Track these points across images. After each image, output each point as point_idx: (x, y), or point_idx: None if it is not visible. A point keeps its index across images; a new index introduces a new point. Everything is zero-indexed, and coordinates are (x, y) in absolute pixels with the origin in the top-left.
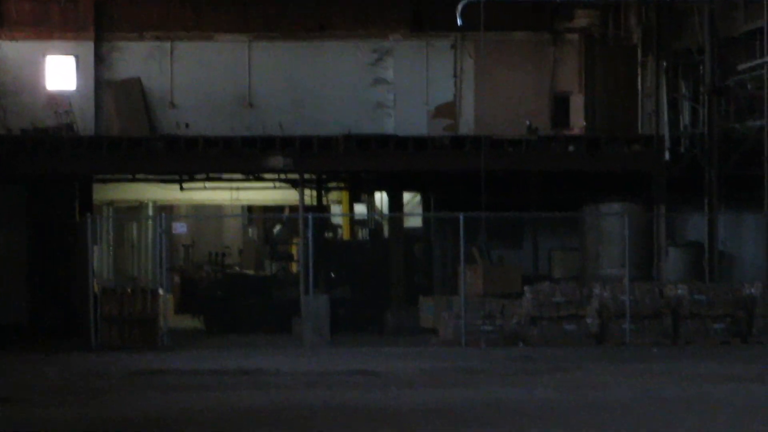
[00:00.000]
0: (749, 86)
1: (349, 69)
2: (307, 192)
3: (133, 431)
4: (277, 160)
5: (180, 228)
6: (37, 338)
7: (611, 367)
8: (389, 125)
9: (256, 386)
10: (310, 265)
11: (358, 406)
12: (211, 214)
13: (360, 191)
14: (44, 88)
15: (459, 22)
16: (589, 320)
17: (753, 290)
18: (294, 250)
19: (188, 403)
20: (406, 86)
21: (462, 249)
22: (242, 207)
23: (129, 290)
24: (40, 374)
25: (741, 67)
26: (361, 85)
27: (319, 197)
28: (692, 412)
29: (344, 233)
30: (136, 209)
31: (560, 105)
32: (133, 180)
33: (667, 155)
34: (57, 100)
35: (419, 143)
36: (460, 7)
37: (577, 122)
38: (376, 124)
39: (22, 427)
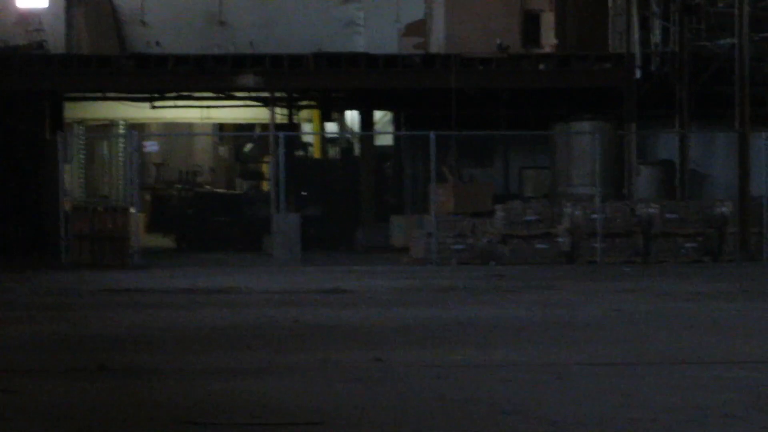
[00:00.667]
0: (720, 4)
1: None
2: (278, 111)
3: (104, 348)
4: (248, 78)
5: (151, 146)
6: (7, 256)
7: (582, 286)
8: (360, 43)
9: (227, 305)
10: (281, 183)
11: (328, 324)
12: (182, 132)
13: (331, 110)
14: (14, 6)
15: None
16: (560, 239)
17: (724, 209)
18: (265, 169)
19: (159, 322)
20: (376, 4)
21: (433, 167)
22: (213, 125)
23: (100, 208)
24: (10, 291)
25: None
26: (332, 3)
27: (290, 116)
28: (662, 329)
29: (315, 152)
30: (107, 128)
31: (531, 23)
32: (104, 98)
33: (638, 73)
34: (27, 18)
35: (390, 61)
36: None
37: (548, 40)
38: (346, 42)
39: None
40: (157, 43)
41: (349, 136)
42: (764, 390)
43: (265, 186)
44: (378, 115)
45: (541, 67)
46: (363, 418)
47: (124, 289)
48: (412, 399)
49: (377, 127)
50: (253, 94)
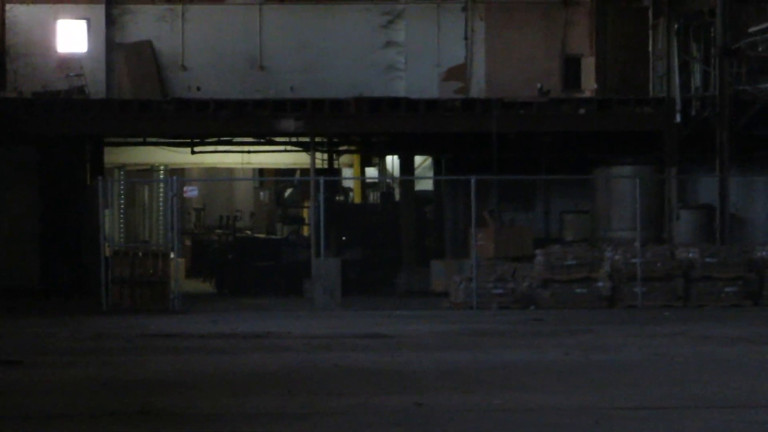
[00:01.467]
0: (760, 48)
1: (361, 31)
2: (318, 155)
3: (145, 393)
4: (289, 123)
5: (191, 191)
6: (48, 300)
7: (622, 330)
8: (400, 88)
9: (268, 349)
10: (321, 227)
11: (369, 368)
12: (223, 177)
13: (371, 154)
14: (55, 51)
15: None
16: (600, 283)
17: (764, 252)
18: (305, 214)
19: (200, 366)
20: (417, 48)
21: (473, 212)
22: (253, 170)
23: (140, 253)
24: (52, 336)
25: (752, 29)
26: (373, 47)
27: (330, 160)
28: (703, 373)
29: (355, 196)
30: (147, 172)
31: (571, 67)
32: (144, 143)
33: (678, 117)
34: (68, 63)
35: (430, 105)
36: None
37: (589, 84)
38: (387, 86)
39: (36, 390)
40: (198, 88)
41: (389, 180)
42: None
43: (306, 230)
44: (418, 159)
45: (582, 110)
46: None
47: (165, 334)
48: None
49: (417, 171)
50: (294, 139)
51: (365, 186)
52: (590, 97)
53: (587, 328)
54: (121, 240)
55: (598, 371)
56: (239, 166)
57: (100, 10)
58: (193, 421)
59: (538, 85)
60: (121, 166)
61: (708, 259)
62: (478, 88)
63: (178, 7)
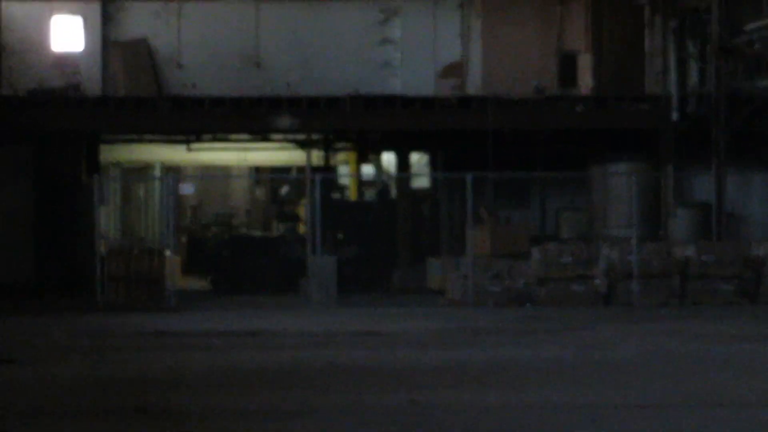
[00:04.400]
0: (756, 45)
1: (357, 28)
2: (314, 153)
3: (140, 390)
4: (284, 120)
5: (187, 189)
6: (43, 297)
7: (618, 327)
8: (396, 85)
9: (263, 347)
10: (317, 225)
11: (364, 366)
12: (218, 174)
13: (367, 152)
14: (51, 48)
15: None
16: (596, 281)
17: (761, 250)
18: (301, 211)
19: (195, 364)
20: (413, 45)
21: (469, 209)
22: (249, 168)
23: (135, 250)
24: (46, 334)
25: (748, 26)
26: (368, 44)
27: (326, 158)
28: (698, 370)
29: (351, 194)
30: (142, 170)
31: (567, 64)
32: (140, 140)
33: (674, 115)
34: (64, 60)
35: (426, 103)
36: None
37: (585, 81)
38: (383, 83)
39: (30, 388)
40: (194, 85)
41: (385, 178)
42: None
43: (302, 228)
44: (414, 157)
45: (578, 108)
46: None
47: (160, 332)
48: None
49: (414, 168)
50: (290, 137)
51: (361, 183)
52: (586, 95)
53: (583, 326)
54: (117, 237)
55: (595, 368)
56: (235, 163)
57: (95, 7)
58: (188, 418)
59: (535, 83)
60: (117, 163)
61: (704, 257)
62: (474, 86)
63: (174, 4)
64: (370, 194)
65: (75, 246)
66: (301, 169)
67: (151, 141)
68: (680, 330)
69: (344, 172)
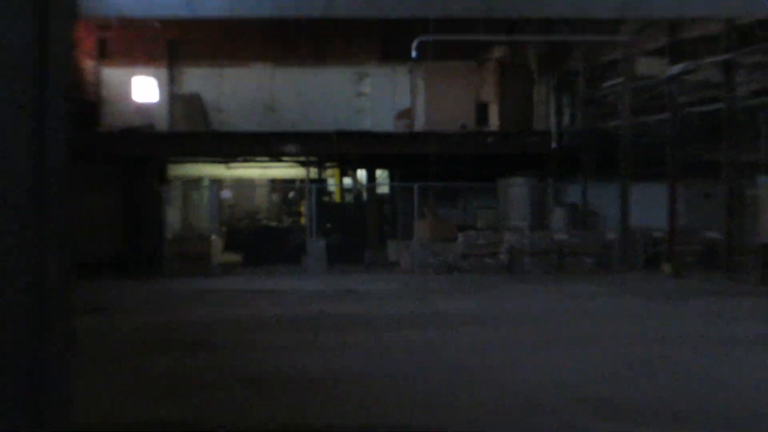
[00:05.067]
0: (610, 97)
1: (340, 85)
2: (311, 169)
3: (194, 330)
4: (291, 147)
5: (225, 194)
6: (127, 269)
7: (516, 288)
8: (367, 124)
9: (277, 300)
10: (313, 219)
11: (345, 313)
12: (247, 184)
13: (347, 169)
14: (133, 99)
15: (414, 55)
16: (502, 256)
17: (612, 236)
18: (302, 209)
19: (230, 312)
20: (378, 97)
21: (416, 208)
22: (268, 180)
23: (190, 236)
24: (128, 292)
25: (604, 85)
26: (348, 96)
27: (319, 173)
28: (572, 317)
29: (336, 197)
30: (196, 181)
31: (482, 110)
32: (194, 161)
33: (554, 144)
34: (142, 107)
35: (387, 136)
36: (414, 44)
37: (494, 122)
38: (358, 123)
39: (115, 328)
40: (229, 124)
41: (359, 186)
42: (638, 358)
43: (302, 221)
44: (378, 172)
45: (489, 140)
46: (364, 378)
47: (207, 290)
48: (401, 364)
49: (378, 180)
50: (294, 159)
51: (343, 190)
52: (495, 131)
53: (492, 287)
54: (178, 228)
55: (502, 316)
56: (258, 176)
57: (164, 71)
58: (226, 348)
59: (461, 122)
60: (178, 177)
61: (574, 240)
62: (420, 125)
63: (217, 70)
64: (348, 198)
65: (149, 233)
66: (302, 181)
67: (201, 162)
68: (558, 290)
69: (331, 183)
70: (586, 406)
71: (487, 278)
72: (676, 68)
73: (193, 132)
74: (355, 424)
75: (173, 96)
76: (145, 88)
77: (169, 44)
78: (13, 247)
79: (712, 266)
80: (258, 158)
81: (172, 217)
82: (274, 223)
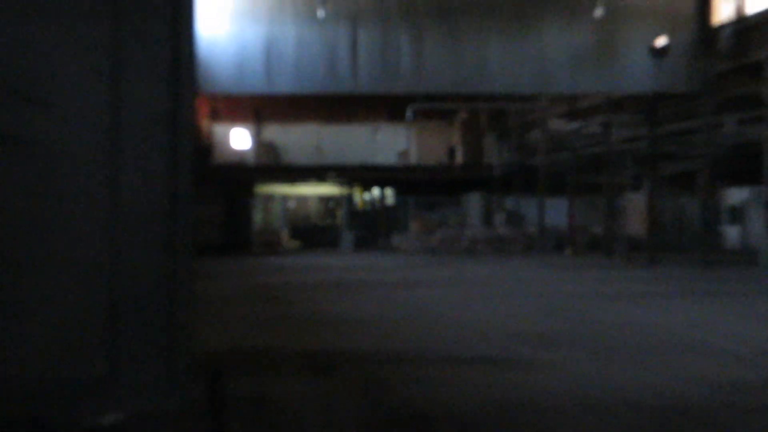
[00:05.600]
0: (532, 143)
1: (362, 135)
2: (344, 188)
3: (270, 290)
4: (331, 174)
5: (290, 204)
6: (226, 251)
7: (474, 264)
8: (379, 160)
9: (322, 271)
10: (345, 219)
11: (366, 280)
12: (303, 198)
13: (367, 187)
14: (232, 145)
15: (408, 116)
16: (464, 243)
17: (533, 230)
18: (338, 213)
19: (293, 278)
20: (386, 143)
21: (410, 213)
22: (318, 195)
23: (268, 230)
24: (228, 266)
25: (528, 136)
26: (368, 142)
27: (349, 190)
28: (511, 281)
29: (360, 205)
30: (272, 196)
31: (452, 152)
32: (270, 183)
33: (497, 172)
34: (238, 150)
35: (392, 168)
36: (408, 110)
37: (459, 159)
38: (374, 158)
39: (221, 289)
40: (293, 160)
41: (374, 199)
42: (549, 307)
43: (338, 221)
44: (387, 190)
45: (456, 170)
46: (379, 320)
47: (279, 265)
48: (403, 310)
49: (386, 195)
50: (333, 181)
51: (364, 201)
52: (460, 164)
53: (460, 263)
54: (260, 224)
55: (466, 281)
56: (311, 193)
57: (252, 126)
58: (291, 302)
59: (439, 159)
60: (260, 193)
61: (509, 233)
62: (413, 160)
63: (286, 126)
64: (368, 206)
65: (242, 228)
66: (338, 195)
67: (274, 183)
68: (499, 264)
69: (357, 197)
70: (514, 337)
71: (455, 258)
72: (574, 125)
73: (270, 165)
74: (372, 348)
75: (257, 142)
76: (240, 138)
77: (256, 109)
78: (161, 236)
79: (596, 250)
80: (310, 181)
81: (257, 218)
82: (320, 223)
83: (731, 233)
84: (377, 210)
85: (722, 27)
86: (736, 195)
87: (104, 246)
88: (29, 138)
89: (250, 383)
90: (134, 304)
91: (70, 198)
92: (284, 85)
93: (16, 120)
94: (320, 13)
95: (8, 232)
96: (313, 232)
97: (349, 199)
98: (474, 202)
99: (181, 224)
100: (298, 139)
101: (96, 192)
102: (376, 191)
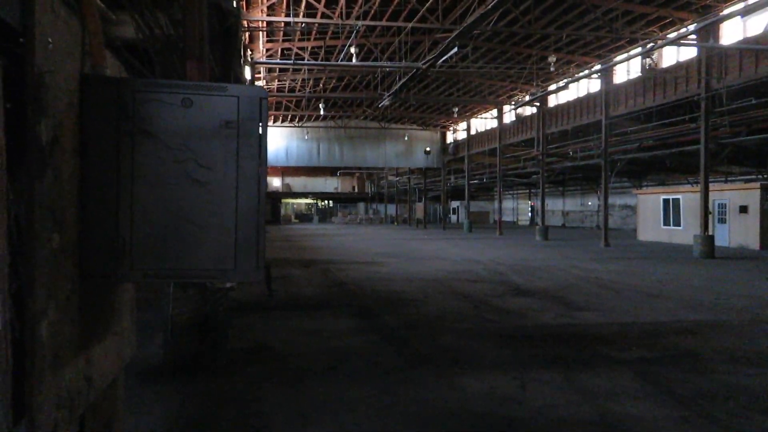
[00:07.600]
0: (383, 184)
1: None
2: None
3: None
4: (311, 196)
5: (293, 206)
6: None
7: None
8: (328, 190)
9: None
10: (316, 210)
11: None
12: (300, 204)
13: (324, 200)
14: (272, 185)
15: (337, 173)
16: (358, 220)
17: (381, 216)
18: (313, 209)
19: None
20: (330, 184)
21: (338, 209)
22: (306, 203)
23: (285, 215)
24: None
25: (380, 182)
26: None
27: (320, 201)
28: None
29: (321, 206)
30: (287, 203)
31: (354, 187)
32: (287, 198)
33: (370, 195)
34: (275, 186)
35: (332, 192)
36: (338, 173)
37: (356, 189)
38: (325, 190)
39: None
40: (296, 190)
41: (327, 203)
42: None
43: (313, 211)
44: (331, 201)
45: (355, 194)
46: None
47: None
48: (333, 243)
49: (330, 203)
50: (312, 198)
51: (324, 205)
52: (356, 192)
53: (355, 229)
54: (283, 213)
55: (356, 235)
56: (304, 202)
57: (280, 177)
58: (291, 239)
59: (349, 190)
60: (284, 202)
61: (373, 217)
62: (340, 189)
63: (293, 177)
64: (325, 206)
65: (277, 214)
66: (314, 202)
67: (288, 198)
68: (372, 228)
69: (321, 204)
70: (375, 254)
71: (354, 227)
72: (397, 178)
73: (286, 192)
74: (324, 259)
75: (282, 183)
76: (274, 182)
77: (282, 172)
78: (255, 217)
79: (405, 224)
80: (304, 198)
81: (282, 210)
82: (306, 212)
83: (453, 218)
84: (329, 208)
85: (450, 143)
86: (456, 203)
87: (234, 220)
88: (206, 181)
89: (279, 270)
90: (245, 242)
91: (222, 203)
92: (292, 161)
93: (202, 175)
94: (306, 137)
95: (199, 214)
96: (304, 216)
97: (317, 203)
98: (361, 206)
99: (262, 213)
100: (298, 182)
101: (231, 201)
102: (328, 202)
